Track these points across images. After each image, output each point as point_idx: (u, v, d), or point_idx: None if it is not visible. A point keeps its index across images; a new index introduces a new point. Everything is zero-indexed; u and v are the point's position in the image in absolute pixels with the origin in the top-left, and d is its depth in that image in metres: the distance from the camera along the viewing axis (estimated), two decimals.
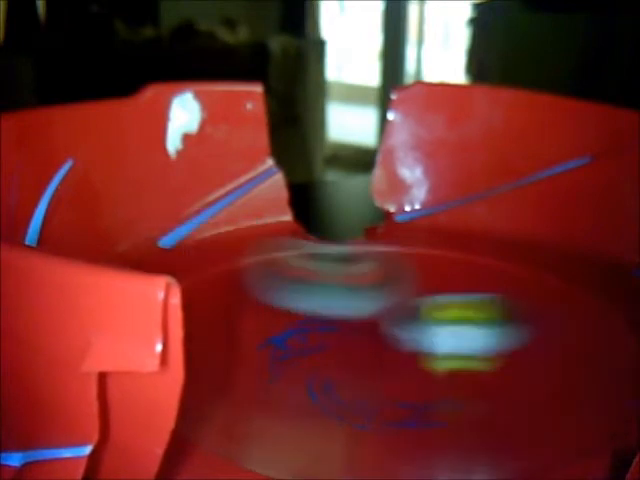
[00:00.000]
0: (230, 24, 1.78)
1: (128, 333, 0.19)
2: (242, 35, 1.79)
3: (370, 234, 0.45)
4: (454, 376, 0.32)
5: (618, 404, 0.30)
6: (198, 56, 1.66)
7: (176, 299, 0.19)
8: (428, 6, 2.20)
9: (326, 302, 0.35)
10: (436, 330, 0.31)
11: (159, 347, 0.19)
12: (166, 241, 0.42)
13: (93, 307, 0.20)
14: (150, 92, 0.43)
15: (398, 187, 0.46)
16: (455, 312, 0.32)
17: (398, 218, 0.46)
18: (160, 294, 0.19)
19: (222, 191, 0.45)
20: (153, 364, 0.19)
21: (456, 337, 0.31)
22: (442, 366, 0.31)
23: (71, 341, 0.20)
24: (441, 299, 0.34)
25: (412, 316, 0.32)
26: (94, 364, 0.19)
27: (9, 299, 0.21)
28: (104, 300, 0.20)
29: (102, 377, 0.20)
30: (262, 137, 0.45)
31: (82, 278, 0.20)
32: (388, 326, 0.32)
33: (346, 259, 0.38)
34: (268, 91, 0.46)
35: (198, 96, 0.44)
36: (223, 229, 0.44)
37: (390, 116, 0.46)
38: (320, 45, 1.92)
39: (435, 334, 0.31)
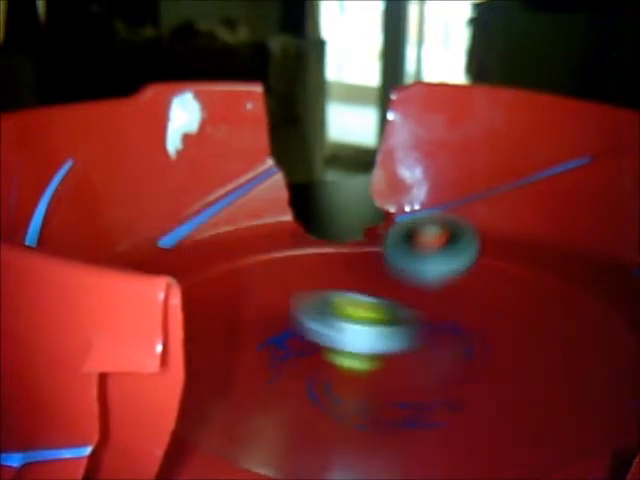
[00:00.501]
0: (230, 24, 1.78)
1: (128, 334, 0.19)
2: (242, 35, 1.79)
3: (370, 234, 0.45)
4: (453, 376, 0.32)
5: (618, 404, 0.30)
6: (198, 56, 1.66)
7: (176, 300, 0.19)
8: (428, 6, 2.20)
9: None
10: (343, 326, 0.31)
11: (159, 348, 0.19)
12: (166, 241, 0.42)
13: (94, 308, 0.20)
14: (150, 92, 0.43)
15: (398, 187, 0.46)
16: (363, 312, 0.32)
17: (398, 218, 0.46)
18: (160, 295, 0.19)
19: (222, 191, 0.45)
20: (153, 365, 0.19)
21: (361, 336, 0.31)
22: (341, 363, 0.31)
23: (72, 342, 0.20)
24: (353, 297, 0.34)
25: (324, 310, 0.32)
26: (94, 365, 0.19)
27: (10, 299, 0.21)
28: (105, 301, 0.20)
29: (102, 378, 0.20)
30: (262, 137, 0.45)
31: (83, 279, 0.20)
32: (299, 316, 0.32)
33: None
34: (268, 91, 0.46)
35: (198, 96, 0.44)
36: (223, 229, 0.44)
37: (390, 116, 0.46)
38: (320, 45, 1.92)
39: (342, 330, 0.31)
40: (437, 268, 0.37)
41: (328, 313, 0.32)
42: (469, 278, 0.40)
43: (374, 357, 0.31)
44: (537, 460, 0.27)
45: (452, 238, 0.38)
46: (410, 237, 0.38)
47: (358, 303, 0.33)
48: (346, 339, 0.31)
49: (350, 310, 0.32)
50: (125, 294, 0.19)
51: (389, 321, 0.32)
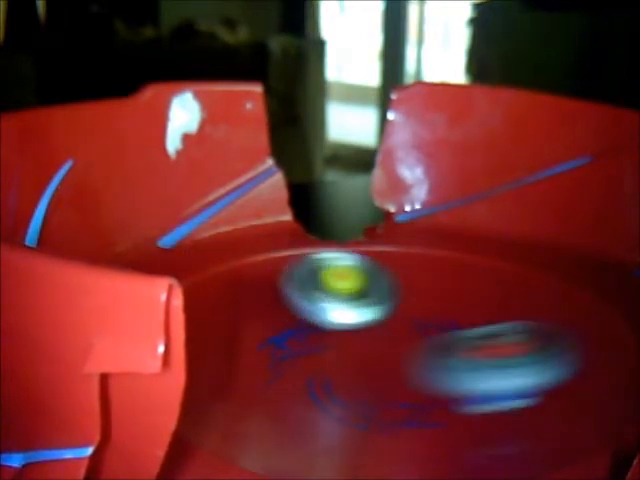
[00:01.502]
0: (230, 24, 1.78)
1: (130, 334, 0.19)
2: (242, 35, 1.79)
3: (370, 234, 0.45)
4: None
5: (618, 404, 0.30)
6: (198, 56, 1.66)
7: (178, 301, 0.19)
8: (428, 6, 2.20)
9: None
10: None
11: (161, 348, 0.19)
12: (166, 241, 0.42)
13: (95, 308, 0.20)
14: (150, 92, 0.43)
15: (398, 187, 0.46)
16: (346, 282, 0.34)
17: (398, 218, 0.46)
18: (162, 296, 0.19)
19: (222, 191, 0.45)
20: (155, 365, 0.19)
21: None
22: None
23: (73, 342, 0.20)
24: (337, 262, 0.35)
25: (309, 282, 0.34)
26: (96, 365, 0.19)
27: (11, 300, 0.21)
28: (106, 301, 0.20)
29: (104, 378, 0.20)
30: (262, 137, 0.45)
31: (84, 279, 0.20)
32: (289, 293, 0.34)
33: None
34: (268, 91, 0.46)
35: (198, 96, 0.44)
36: (223, 229, 0.44)
37: (390, 116, 0.46)
38: (320, 45, 1.93)
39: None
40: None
41: (313, 287, 0.34)
42: (469, 278, 0.40)
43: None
44: (537, 460, 0.27)
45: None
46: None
47: (341, 270, 0.35)
48: (328, 316, 0.33)
49: (333, 281, 0.34)
50: (127, 295, 0.19)
51: (367, 291, 0.34)
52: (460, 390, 0.29)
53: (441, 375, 0.29)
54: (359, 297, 0.34)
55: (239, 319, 0.36)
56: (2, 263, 0.20)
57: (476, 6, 1.65)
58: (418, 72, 2.16)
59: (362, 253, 0.43)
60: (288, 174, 0.46)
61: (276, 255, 0.42)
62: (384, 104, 1.71)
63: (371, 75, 2.21)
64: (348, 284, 0.34)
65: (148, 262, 0.39)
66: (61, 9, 1.65)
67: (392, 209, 0.46)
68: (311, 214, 0.55)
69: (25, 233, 0.36)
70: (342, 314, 0.34)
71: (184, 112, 0.44)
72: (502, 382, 0.28)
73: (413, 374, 0.30)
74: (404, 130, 0.46)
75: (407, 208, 0.46)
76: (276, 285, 0.35)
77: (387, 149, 0.46)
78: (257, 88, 0.45)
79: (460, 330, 0.32)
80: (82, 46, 1.59)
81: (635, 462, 0.21)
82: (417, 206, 0.46)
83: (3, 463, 0.22)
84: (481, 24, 1.61)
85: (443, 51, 2.31)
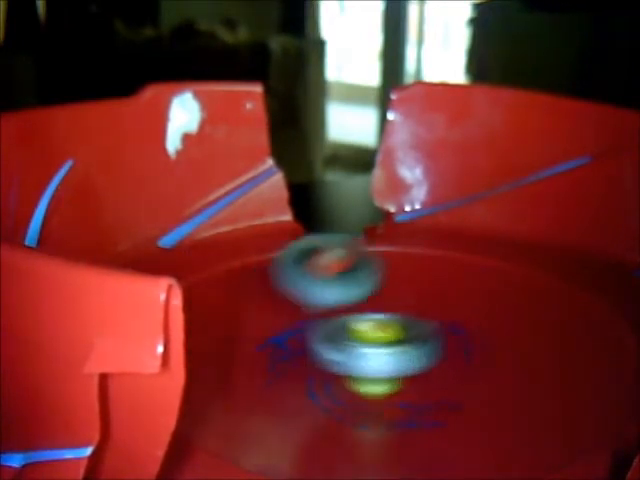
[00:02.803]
0: (230, 24, 1.78)
1: (130, 334, 0.19)
2: (242, 35, 1.79)
3: (370, 234, 0.45)
4: (453, 376, 0.32)
5: (618, 404, 0.30)
6: (198, 56, 1.66)
7: (177, 300, 0.19)
8: (428, 6, 2.20)
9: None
10: (363, 352, 0.29)
11: (160, 348, 0.19)
12: (166, 241, 0.42)
13: (95, 308, 0.20)
14: (150, 92, 0.43)
15: (398, 187, 0.46)
16: (380, 332, 0.31)
17: (398, 218, 0.46)
18: (162, 295, 0.19)
19: (222, 191, 0.45)
20: (154, 365, 0.19)
21: (382, 360, 0.29)
22: (367, 390, 0.30)
23: (72, 342, 0.20)
24: (366, 317, 0.32)
25: (339, 335, 0.31)
26: (96, 365, 0.19)
27: (11, 300, 0.21)
28: (106, 301, 0.20)
29: (103, 378, 0.20)
30: (262, 137, 0.45)
31: (84, 279, 0.20)
32: (316, 346, 0.31)
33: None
34: (268, 91, 0.46)
35: (198, 96, 0.44)
36: (223, 229, 0.44)
37: (390, 116, 0.46)
38: (320, 45, 1.93)
39: (362, 356, 0.29)
40: (334, 294, 0.34)
41: (344, 338, 0.30)
42: (469, 278, 0.40)
43: (393, 379, 0.30)
44: (537, 460, 0.27)
45: (353, 266, 0.35)
46: (306, 258, 0.35)
47: (372, 323, 0.31)
48: (366, 364, 0.29)
49: (365, 332, 0.31)
50: (126, 295, 0.19)
51: (406, 339, 0.30)
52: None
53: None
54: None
55: (239, 319, 0.36)
56: (2, 263, 0.20)
57: (476, 6, 1.65)
58: (418, 72, 2.16)
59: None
60: (288, 174, 0.46)
61: (276, 255, 0.42)
62: (384, 104, 1.71)
63: (371, 75, 2.21)
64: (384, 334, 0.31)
65: (148, 262, 0.39)
66: (61, 9, 1.65)
67: (392, 209, 0.46)
68: (311, 214, 0.55)
69: (25, 233, 0.36)
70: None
71: (184, 112, 0.44)
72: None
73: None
74: (404, 130, 0.46)
75: (407, 208, 0.46)
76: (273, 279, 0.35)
77: (387, 149, 0.46)
78: (257, 88, 0.45)
79: None
80: (82, 46, 1.59)
81: (635, 462, 0.21)
82: (417, 206, 0.46)
83: (3, 463, 0.22)
84: (481, 24, 1.61)
85: (443, 51, 2.31)
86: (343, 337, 0.30)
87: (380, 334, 0.30)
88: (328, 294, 0.34)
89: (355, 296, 0.34)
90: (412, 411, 0.29)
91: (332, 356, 0.30)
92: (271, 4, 2.00)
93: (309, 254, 0.36)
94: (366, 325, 0.31)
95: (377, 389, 0.30)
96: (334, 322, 0.32)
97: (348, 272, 0.35)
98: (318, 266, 0.35)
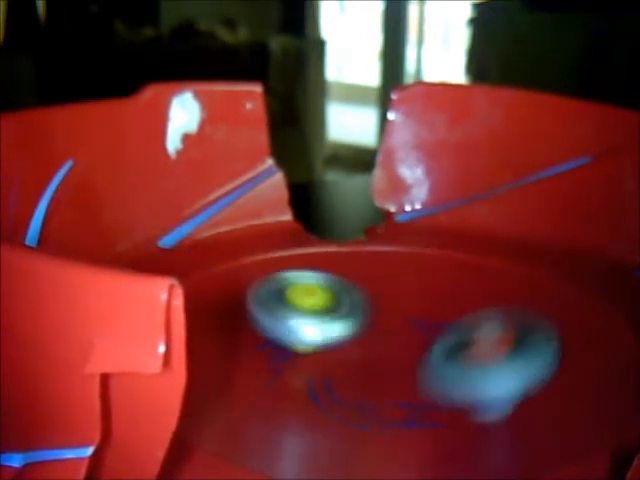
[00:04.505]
0: (230, 24, 1.78)
1: (131, 334, 0.19)
2: (242, 35, 1.79)
3: (370, 234, 0.45)
4: None
5: (618, 404, 0.30)
6: (198, 56, 1.66)
7: (179, 301, 0.19)
8: (428, 6, 2.20)
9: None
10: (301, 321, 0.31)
11: (162, 348, 0.19)
12: (166, 241, 0.42)
13: (96, 308, 0.20)
14: (150, 92, 0.43)
15: (398, 187, 0.46)
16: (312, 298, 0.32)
17: (398, 218, 0.46)
18: (163, 296, 0.19)
19: (222, 191, 0.45)
20: (156, 365, 0.19)
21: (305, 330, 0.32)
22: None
23: (73, 342, 0.20)
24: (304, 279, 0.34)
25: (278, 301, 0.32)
26: (97, 365, 0.19)
27: (12, 300, 0.21)
28: (107, 301, 0.20)
29: (104, 378, 0.20)
30: (262, 137, 0.45)
31: (85, 279, 0.20)
32: (255, 311, 0.32)
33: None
34: (268, 91, 0.46)
35: (198, 96, 0.44)
36: (223, 229, 0.44)
37: (390, 116, 0.46)
38: (320, 45, 1.93)
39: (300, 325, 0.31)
40: (503, 384, 0.27)
41: (278, 304, 0.32)
42: (469, 278, 0.40)
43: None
44: (537, 460, 0.27)
45: (518, 341, 0.29)
46: (460, 349, 0.29)
47: (307, 287, 0.33)
48: (292, 333, 0.32)
49: (299, 297, 0.32)
50: (128, 295, 0.19)
51: (335, 308, 0.32)
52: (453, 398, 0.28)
53: (445, 383, 0.28)
54: (327, 313, 0.32)
55: (239, 319, 0.36)
56: (2, 263, 0.20)
57: (476, 6, 1.65)
58: (418, 72, 2.16)
59: (362, 253, 0.43)
60: (288, 174, 0.46)
61: (276, 255, 0.42)
62: (384, 104, 1.71)
63: (371, 75, 2.21)
64: (314, 300, 0.33)
65: (148, 262, 0.39)
66: (61, 9, 1.65)
67: (392, 209, 0.46)
68: (311, 214, 0.55)
69: (25, 233, 0.36)
70: (310, 331, 0.32)
71: (184, 112, 0.44)
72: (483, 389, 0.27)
73: (421, 381, 0.29)
74: (404, 130, 0.46)
75: (407, 208, 0.46)
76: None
77: (387, 149, 0.46)
78: (257, 88, 0.45)
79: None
80: (82, 46, 1.59)
81: (635, 462, 0.21)
82: (417, 206, 0.46)
83: (3, 463, 0.22)
84: (481, 24, 1.61)
85: (443, 51, 2.31)
86: (279, 303, 0.32)
87: (312, 300, 0.32)
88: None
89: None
90: (412, 411, 0.29)
91: (267, 323, 0.32)
92: (271, 4, 2.00)
93: (460, 346, 0.30)
94: (300, 290, 0.33)
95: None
96: (273, 283, 0.34)
97: (520, 348, 0.28)
98: (480, 355, 0.28)
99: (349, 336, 0.32)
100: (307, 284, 0.34)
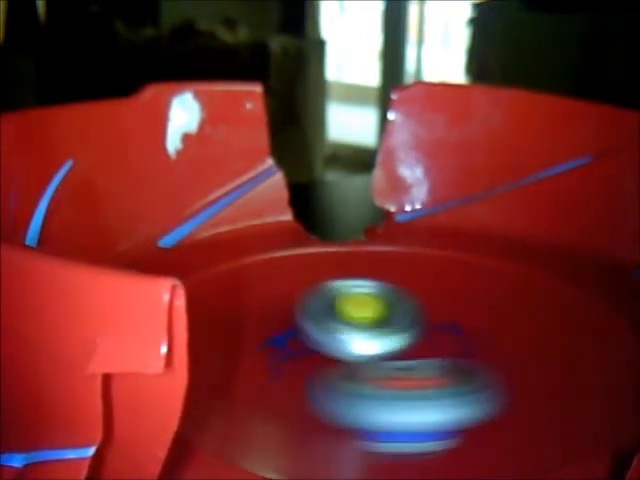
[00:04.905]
0: (230, 24, 1.78)
1: (133, 335, 0.19)
2: (242, 35, 1.79)
3: (370, 234, 0.45)
4: None
5: (618, 404, 0.30)
6: (198, 56, 1.66)
7: (181, 301, 0.19)
8: (428, 6, 2.20)
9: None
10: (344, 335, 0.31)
11: (164, 349, 0.19)
12: (166, 241, 0.42)
13: (98, 309, 0.20)
14: (150, 92, 0.43)
15: (398, 187, 0.46)
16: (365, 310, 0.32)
17: (398, 218, 0.46)
18: (165, 296, 0.19)
19: (222, 191, 0.45)
20: (158, 366, 0.19)
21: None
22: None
23: (76, 343, 0.20)
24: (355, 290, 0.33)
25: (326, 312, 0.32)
26: (99, 365, 0.19)
27: (13, 300, 0.21)
28: (109, 302, 0.20)
29: (106, 378, 0.20)
30: (262, 137, 0.45)
31: (87, 280, 0.20)
32: (305, 324, 0.32)
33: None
34: (268, 91, 0.46)
35: (198, 96, 0.44)
36: (223, 229, 0.44)
37: (390, 116, 0.46)
38: (320, 45, 1.92)
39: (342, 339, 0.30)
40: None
41: (330, 315, 0.31)
42: (469, 278, 0.40)
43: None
44: (537, 460, 0.27)
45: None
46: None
47: (359, 298, 0.32)
48: (344, 347, 0.31)
49: (352, 309, 0.31)
50: (130, 295, 0.19)
51: (389, 320, 0.31)
52: (362, 422, 0.26)
53: (343, 403, 0.27)
54: (379, 325, 0.31)
55: (239, 319, 0.36)
56: (2, 263, 0.20)
57: (476, 6, 1.65)
58: (418, 72, 2.16)
59: (362, 253, 0.43)
60: (288, 174, 0.46)
61: (276, 255, 0.42)
62: (384, 104, 1.71)
63: (371, 75, 2.21)
64: (366, 312, 0.32)
65: (148, 262, 0.39)
66: (61, 9, 1.64)
67: (392, 209, 0.46)
68: (311, 214, 0.55)
69: (25, 233, 0.36)
70: (362, 345, 0.31)
71: (184, 112, 0.44)
72: (410, 416, 0.26)
73: (314, 400, 0.28)
74: (404, 130, 0.46)
75: (407, 208, 0.46)
76: (278, 288, 0.34)
77: (387, 149, 0.46)
78: (257, 88, 0.45)
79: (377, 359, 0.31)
80: (82, 46, 1.59)
81: (635, 462, 0.21)
82: (417, 206, 0.46)
83: (4, 463, 0.22)
84: (481, 24, 1.61)
85: (443, 51, 2.31)
86: (330, 315, 0.31)
87: (364, 312, 0.31)
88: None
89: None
90: None
91: (317, 336, 0.31)
92: (271, 4, 1.99)
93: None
94: (351, 301, 0.32)
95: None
96: (323, 294, 0.32)
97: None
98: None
99: (402, 348, 0.31)
100: (358, 294, 0.33)
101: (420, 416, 0.26)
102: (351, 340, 0.31)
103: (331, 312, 0.32)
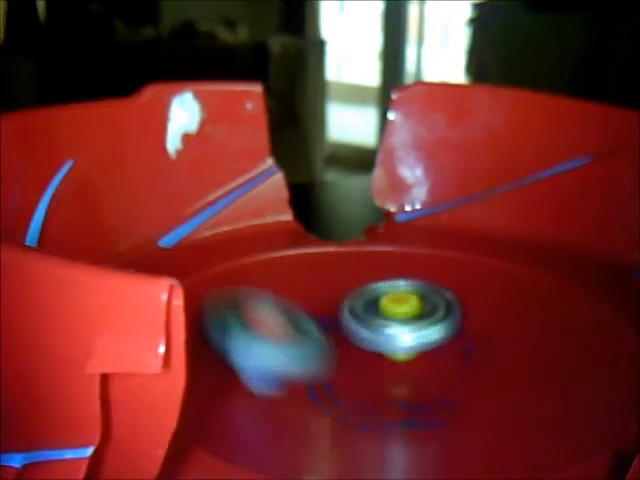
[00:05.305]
0: (230, 24, 1.78)
1: (131, 335, 0.19)
2: (242, 35, 1.79)
3: (370, 234, 0.45)
4: (453, 376, 0.32)
5: (618, 404, 0.30)
6: (198, 56, 1.66)
7: (179, 301, 0.19)
8: (428, 6, 2.20)
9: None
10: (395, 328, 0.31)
11: (162, 349, 0.19)
12: (166, 241, 0.42)
13: (96, 309, 0.20)
14: (150, 92, 0.43)
15: (398, 187, 0.46)
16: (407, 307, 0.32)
17: (398, 218, 0.46)
18: (163, 296, 0.19)
19: (222, 191, 0.45)
20: (156, 366, 0.19)
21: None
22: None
23: (74, 342, 0.20)
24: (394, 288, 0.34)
25: (371, 311, 0.32)
26: (97, 365, 0.19)
27: (12, 300, 0.21)
28: (108, 302, 0.20)
29: (105, 378, 0.20)
30: (262, 137, 0.45)
31: (86, 280, 0.20)
32: (350, 325, 0.32)
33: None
34: (268, 91, 0.46)
35: (198, 96, 0.44)
36: (223, 229, 0.44)
37: (390, 116, 0.46)
38: (320, 45, 1.92)
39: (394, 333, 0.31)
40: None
41: (373, 315, 0.32)
42: (469, 278, 0.40)
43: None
44: (537, 460, 0.27)
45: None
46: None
47: (399, 295, 0.33)
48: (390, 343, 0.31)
49: (393, 306, 0.32)
50: (128, 295, 0.19)
51: (429, 313, 0.32)
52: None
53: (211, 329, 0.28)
54: (421, 319, 0.32)
55: None
56: (2, 263, 0.20)
57: (476, 6, 1.65)
58: (418, 72, 2.16)
59: (362, 253, 0.43)
60: (288, 174, 0.46)
61: (276, 255, 0.42)
62: (384, 104, 1.71)
63: (371, 75, 2.21)
64: (408, 308, 0.32)
65: (149, 262, 0.39)
66: (61, 9, 1.64)
67: (392, 209, 0.46)
68: (311, 214, 0.55)
69: (25, 233, 0.36)
70: (408, 338, 0.32)
71: (184, 112, 0.44)
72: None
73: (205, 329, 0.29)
74: (404, 130, 0.46)
75: (407, 208, 0.46)
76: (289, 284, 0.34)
77: (387, 149, 0.46)
78: (257, 88, 0.45)
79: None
80: (82, 46, 1.59)
81: (635, 462, 0.21)
82: (417, 206, 0.46)
83: (3, 463, 0.22)
84: (481, 24, 1.61)
85: (443, 51, 2.31)
86: (374, 314, 0.32)
87: (405, 308, 0.32)
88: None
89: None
90: (412, 411, 0.29)
91: (364, 335, 0.32)
92: (271, 4, 1.99)
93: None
94: (392, 298, 0.33)
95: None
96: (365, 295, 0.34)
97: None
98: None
99: (446, 339, 0.32)
100: (398, 292, 0.34)
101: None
102: (397, 335, 0.32)
103: (374, 310, 0.33)
